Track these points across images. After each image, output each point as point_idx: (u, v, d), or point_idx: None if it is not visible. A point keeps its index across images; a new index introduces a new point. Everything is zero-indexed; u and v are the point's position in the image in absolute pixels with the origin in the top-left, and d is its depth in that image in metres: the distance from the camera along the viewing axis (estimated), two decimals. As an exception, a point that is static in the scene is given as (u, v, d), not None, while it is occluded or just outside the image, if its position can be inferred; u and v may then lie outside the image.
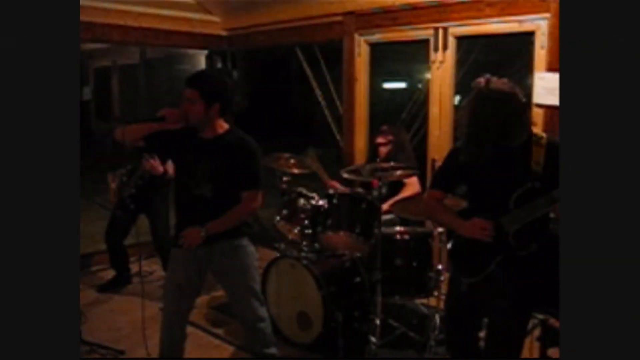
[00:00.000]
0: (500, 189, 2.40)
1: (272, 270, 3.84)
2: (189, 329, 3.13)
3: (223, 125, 2.88)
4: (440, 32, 4.35)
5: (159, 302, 4.49)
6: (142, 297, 3.58)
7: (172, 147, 2.90)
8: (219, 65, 6.04)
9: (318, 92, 5.84)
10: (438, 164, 4.43)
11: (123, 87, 9.25)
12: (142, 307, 3.33)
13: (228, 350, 3.80)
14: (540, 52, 3.77)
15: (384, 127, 4.41)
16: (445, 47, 4.35)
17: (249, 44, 6.01)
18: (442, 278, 3.75)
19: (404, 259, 3.75)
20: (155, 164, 4.38)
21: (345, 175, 3.87)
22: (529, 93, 4.03)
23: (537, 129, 2.81)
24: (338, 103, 5.50)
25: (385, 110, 6.94)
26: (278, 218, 4.17)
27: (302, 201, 4.04)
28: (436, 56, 4.41)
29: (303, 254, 3.84)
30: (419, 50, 5.02)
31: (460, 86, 4.53)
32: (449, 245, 2.68)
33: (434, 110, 4.52)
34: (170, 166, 4.47)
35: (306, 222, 3.98)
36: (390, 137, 4.30)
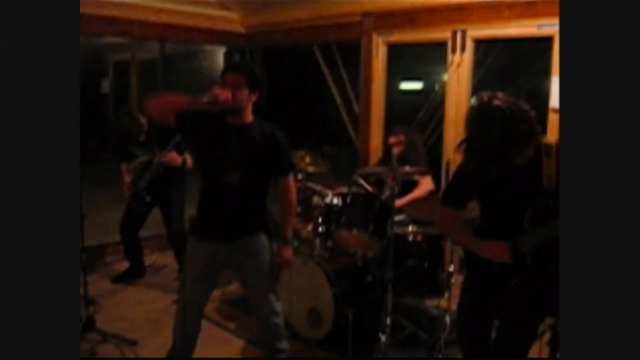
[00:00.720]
0: (513, 209, 2.34)
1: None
2: (202, 323, 3.15)
3: (250, 115, 2.86)
4: (459, 34, 4.36)
5: (173, 295, 4.57)
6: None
7: (200, 131, 2.83)
8: (237, 62, 6.08)
9: (335, 91, 5.87)
10: (453, 166, 4.45)
11: (141, 81, 9.32)
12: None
13: (239, 344, 3.83)
14: (558, 57, 3.77)
15: (397, 127, 4.42)
16: (463, 49, 4.36)
17: (267, 41, 6.05)
18: (453, 280, 3.76)
19: (416, 259, 3.77)
20: (174, 157, 4.42)
21: (360, 181, 3.90)
22: (545, 97, 4.03)
23: (551, 135, 2.77)
24: (354, 102, 5.53)
25: (402, 111, 6.93)
26: (292, 215, 4.19)
27: (316, 199, 4.07)
28: (454, 58, 4.42)
29: (316, 252, 3.87)
30: (437, 51, 5.02)
31: (477, 88, 4.54)
32: (461, 252, 2.66)
33: (450, 112, 4.53)
34: (189, 157, 4.51)
35: (320, 219, 4.01)
36: (402, 138, 4.31)
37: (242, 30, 6.06)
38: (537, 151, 2.28)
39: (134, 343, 3.74)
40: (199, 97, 2.64)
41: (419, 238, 3.82)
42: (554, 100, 3.78)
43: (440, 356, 3.54)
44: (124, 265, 5.14)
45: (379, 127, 5.11)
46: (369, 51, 4.95)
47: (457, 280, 3.67)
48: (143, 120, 4.58)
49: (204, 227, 2.95)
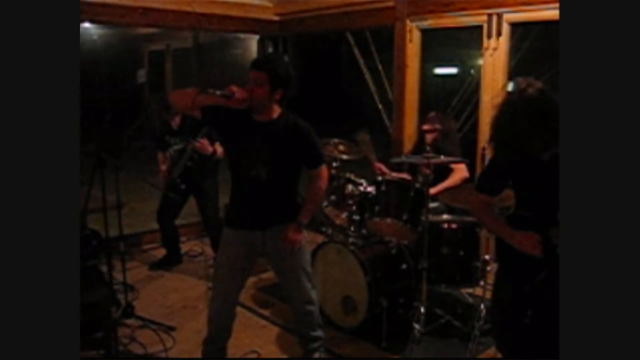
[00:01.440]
0: (547, 200, 2.31)
1: (319, 255, 3.88)
2: (237, 309, 3.20)
3: (277, 110, 2.89)
4: (495, 18, 4.27)
5: (209, 282, 4.63)
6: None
7: (226, 126, 2.89)
8: (270, 49, 6.09)
9: (368, 77, 5.82)
10: (488, 153, 4.38)
11: (176, 70, 9.43)
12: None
13: (274, 330, 3.87)
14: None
15: (431, 114, 4.35)
16: (499, 34, 4.28)
17: (300, 28, 6.03)
18: (488, 268, 3.72)
19: (450, 247, 3.74)
20: (205, 144, 4.46)
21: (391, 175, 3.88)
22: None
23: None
24: (388, 88, 5.48)
25: (436, 97, 6.85)
26: (326, 203, 4.20)
27: (350, 187, 4.06)
28: (489, 43, 4.34)
29: (350, 240, 3.87)
30: (472, 35, 4.93)
31: (514, 74, 4.45)
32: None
33: (485, 98, 4.45)
34: (219, 147, 4.56)
35: (354, 208, 4.01)
36: (436, 125, 4.24)
37: (275, 17, 6.05)
38: None
39: (171, 329, 3.81)
40: (214, 91, 2.74)
41: (453, 226, 3.78)
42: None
43: (475, 344, 3.51)
44: (161, 252, 5.24)
45: (413, 114, 5.06)
46: (402, 37, 4.89)
47: (492, 268, 3.63)
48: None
49: (237, 217, 3.01)
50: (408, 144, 4.99)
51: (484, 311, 3.67)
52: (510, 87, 4.56)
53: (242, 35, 7.11)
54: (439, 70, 11.58)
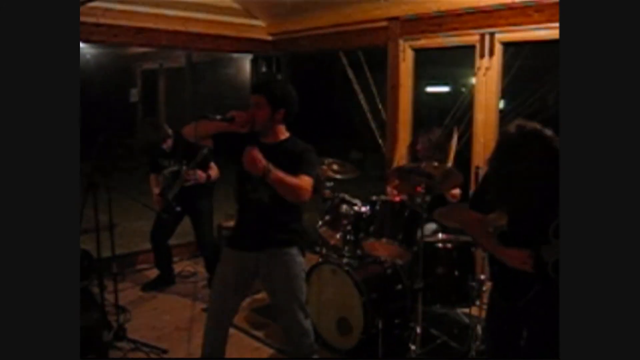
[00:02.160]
0: (539, 218, 2.34)
1: (313, 275, 3.85)
2: (230, 331, 3.17)
3: (284, 132, 2.94)
4: (487, 38, 4.30)
5: (202, 303, 4.59)
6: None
7: (236, 151, 2.87)
8: (264, 69, 6.11)
9: (361, 97, 5.84)
10: (482, 171, 4.38)
11: (169, 89, 9.44)
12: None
13: (267, 352, 3.83)
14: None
15: (422, 132, 4.33)
16: (491, 54, 4.30)
17: (293, 48, 6.05)
18: (484, 288, 3.70)
19: (446, 267, 3.73)
20: (200, 175, 4.47)
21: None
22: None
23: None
24: (381, 107, 5.49)
25: (428, 114, 6.88)
26: (320, 223, 4.18)
27: (344, 207, 4.05)
28: (482, 62, 4.36)
29: (345, 260, 3.84)
30: (463, 54, 4.96)
31: (506, 92, 4.47)
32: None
33: (479, 117, 4.47)
34: (214, 170, 4.55)
35: (348, 228, 3.99)
36: (429, 142, 4.21)
37: (268, 37, 6.08)
38: None
39: (164, 352, 3.76)
40: (215, 116, 2.79)
41: (448, 246, 3.77)
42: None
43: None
44: (154, 272, 5.19)
45: (406, 133, 5.06)
46: (395, 57, 4.92)
47: (488, 288, 3.61)
48: (167, 128, 4.65)
49: (237, 238, 3.06)
50: (401, 163, 4.98)
51: (480, 331, 3.64)
52: (501, 105, 4.59)
53: (235, 55, 7.13)
54: (430, 89, 11.66)
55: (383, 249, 3.87)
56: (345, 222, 4.01)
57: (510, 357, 2.60)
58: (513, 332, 2.57)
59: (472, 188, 4.42)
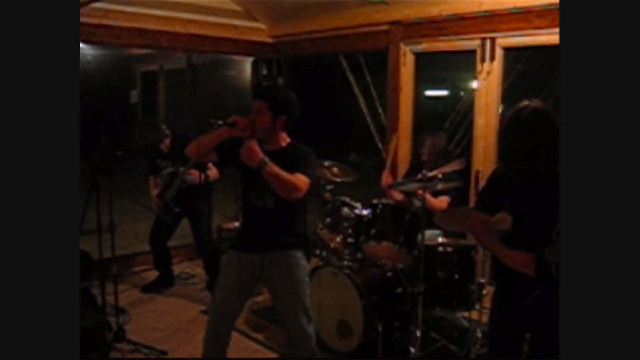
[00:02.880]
0: (543, 219, 2.36)
1: (314, 278, 3.84)
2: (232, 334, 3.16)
3: (286, 139, 2.94)
4: (488, 42, 4.31)
5: (201, 305, 4.59)
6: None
7: (239, 159, 2.85)
8: (264, 72, 6.11)
9: (361, 100, 5.85)
10: (482, 175, 4.40)
11: (169, 91, 9.43)
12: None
13: (267, 355, 3.83)
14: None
15: (425, 135, 4.32)
16: (492, 58, 4.31)
17: (294, 51, 6.06)
18: (484, 292, 3.71)
19: (446, 271, 3.73)
20: (196, 175, 4.45)
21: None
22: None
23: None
24: (381, 111, 5.50)
25: (428, 118, 6.88)
26: (321, 226, 4.18)
27: (345, 210, 4.05)
28: (483, 67, 4.37)
29: (345, 263, 3.85)
30: (463, 58, 4.97)
31: (506, 95, 4.48)
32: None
33: (479, 121, 4.48)
34: (212, 170, 4.54)
35: (349, 231, 3.99)
36: (431, 146, 4.21)
37: (269, 39, 6.09)
38: None
39: (163, 353, 3.76)
40: (216, 121, 2.80)
41: (449, 249, 3.78)
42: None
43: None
44: (153, 274, 5.18)
45: (407, 137, 5.07)
46: (396, 61, 4.92)
47: (488, 292, 3.62)
48: (164, 128, 4.65)
49: (242, 240, 3.06)
50: (402, 167, 4.99)
51: (480, 335, 3.65)
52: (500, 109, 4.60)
53: (236, 57, 7.14)
54: (430, 93, 11.67)
55: (384, 252, 3.87)
56: (345, 225, 4.01)
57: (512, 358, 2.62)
58: (516, 334, 2.58)
59: (473, 191, 4.44)
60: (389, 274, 3.87)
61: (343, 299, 3.68)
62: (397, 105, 5.01)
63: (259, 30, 6.01)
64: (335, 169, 4.44)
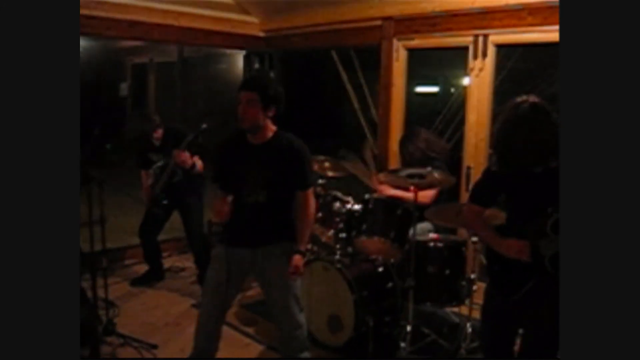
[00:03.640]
0: (537, 212, 2.38)
1: (305, 272, 3.84)
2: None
3: (272, 128, 2.91)
4: (480, 39, 4.32)
5: (191, 299, 4.58)
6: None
7: (226, 155, 2.92)
8: (257, 65, 6.09)
9: (352, 95, 5.85)
10: (473, 171, 4.42)
11: (160, 84, 9.38)
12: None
13: (257, 349, 3.83)
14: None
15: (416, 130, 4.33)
16: (484, 55, 4.33)
17: (286, 45, 6.04)
18: (474, 287, 3.73)
19: (436, 266, 3.74)
20: (185, 156, 4.39)
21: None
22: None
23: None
24: (372, 106, 5.51)
25: (419, 115, 6.89)
26: (312, 220, 4.18)
27: (337, 205, 4.06)
28: (475, 63, 4.38)
29: (336, 257, 3.85)
30: (453, 55, 4.98)
31: (498, 92, 4.50)
32: (483, 258, 2.68)
33: (471, 117, 4.49)
34: (198, 160, 4.50)
35: (341, 225, 4.00)
36: (415, 145, 4.21)
37: (261, 33, 6.06)
38: None
39: (154, 347, 3.74)
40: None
41: (439, 245, 3.79)
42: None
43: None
44: (143, 267, 5.16)
45: (398, 132, 5.08)
46: (389, 56, 4.92)
47: (478, 287, 3.65)
48: (157, 118, 4.62)
49: (231, 236, 3.00)
50: (393, 162, 5.00)
51: (470, 330, 3.67)
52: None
53: (228, 51, 7.12)
54: (420, 89, 11.66)
55: (375, 247, 3.88)
56: (337, 219, 4.02)
57: (505, 354, 2.63)
58: (508, 327, 2.60)
59: (463, 187, 4.46)
60: (380, 268, 3.88)
61: (334, 294, 3.69)
62: (389, 101, 5.01)
63: (252, 24, 5.98)
64: (327, 164, 4.44)
